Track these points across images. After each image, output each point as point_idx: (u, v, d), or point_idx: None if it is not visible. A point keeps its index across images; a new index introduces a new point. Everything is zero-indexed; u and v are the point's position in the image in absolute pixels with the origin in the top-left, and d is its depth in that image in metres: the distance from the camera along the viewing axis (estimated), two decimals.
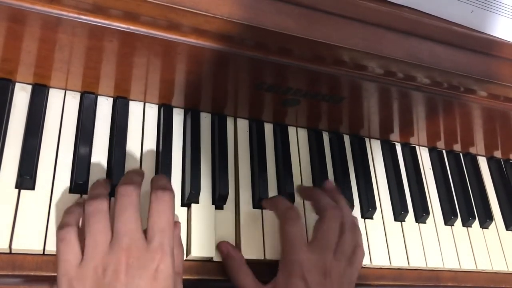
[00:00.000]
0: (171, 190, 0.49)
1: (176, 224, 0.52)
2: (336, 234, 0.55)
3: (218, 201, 0.58)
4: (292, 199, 0.63)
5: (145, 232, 0.46)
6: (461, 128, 0.73)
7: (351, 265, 0.56)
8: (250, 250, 0.57)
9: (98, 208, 0.46)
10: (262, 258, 0.57)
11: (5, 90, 0.54)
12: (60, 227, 0.46)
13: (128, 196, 0.46)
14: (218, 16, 0.47)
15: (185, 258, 0.54)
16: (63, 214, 0.49)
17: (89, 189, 0.50)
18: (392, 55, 0.55)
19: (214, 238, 0.56)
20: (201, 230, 0.56)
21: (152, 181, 0.51)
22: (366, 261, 0.63)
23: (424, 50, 0.56)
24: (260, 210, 0.61)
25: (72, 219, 0.47)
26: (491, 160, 0.82)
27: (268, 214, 0.61)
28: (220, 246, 0.55)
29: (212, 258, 0.55)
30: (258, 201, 0.60)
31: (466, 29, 0.57)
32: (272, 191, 0.63)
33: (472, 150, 0.80)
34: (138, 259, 0.44)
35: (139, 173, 0.52)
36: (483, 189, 0.79)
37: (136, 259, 0.44)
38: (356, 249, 0.57)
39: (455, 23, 0.57)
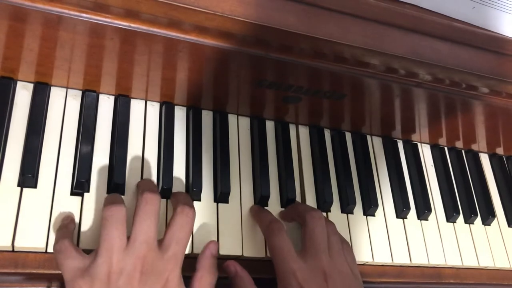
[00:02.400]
0: (194, 209, 0.51)
1: (213, 245, 0.53)
2: (324, 234, 0.55)
3: (220, 199, 0.58)
4: (293, 197, 0.62)
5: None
6: (463, 125, 0.73)
7: (349, 262, 0.56)
8: (251, 248, 0.57)
9: (115, 214, 0.47)
10: (263, 256, 0.58)
11: (7, 89, 0.54)
12: (55, 242, 0.48)
13: (152, 204, 0.48)
14: (219, 14, 0.47)
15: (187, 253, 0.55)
16: (56, 230, 0.49)
17: (105, 198, 0.51)
18: (393, 51, 0.54)
19: (216, 234, 0.56)
20: (203, 227, 0.56)
21: (177, 196, 0.54)
22: (368, 258, 0.63)
23: (425, 47, 0.56)
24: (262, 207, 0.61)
25: (65, 233, 0.48)
26: (493, 157, 0.82)
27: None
28: (228, 266, 0.54)
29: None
30: (260, 199, 0.60)
31: (467, 25, 0.57)
32: (274, 188, 0.63)
33: (474, 147, 0.80)
34: (152, 267, 0.45)
35: (154, 183, 0.54)
36: (485, 186, 0.78)
37: (150, 267, 0.45)
38: (344, 244, 0.57)
39: (456, 19, 0.57)
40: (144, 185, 0.51)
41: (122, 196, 0.54)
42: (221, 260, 0.55)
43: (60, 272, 0.49)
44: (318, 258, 0.53)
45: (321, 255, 0.53)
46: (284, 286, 0.51)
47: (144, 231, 0.46)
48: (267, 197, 0.61)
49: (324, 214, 0.64)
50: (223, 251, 0.56)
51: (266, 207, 0.61)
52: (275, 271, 0.53)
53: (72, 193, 0.52)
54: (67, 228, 0.49)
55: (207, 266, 0.51)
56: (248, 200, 0.60)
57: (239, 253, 0.56)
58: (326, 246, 0.54)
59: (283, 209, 0.62)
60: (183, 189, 0.58)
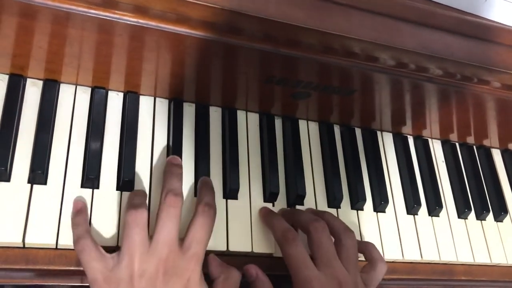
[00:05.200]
0: (215, 208, 0.52)
1: (212, 256, 0.53)
2: (330, 243, 0.54)
3: (229, 195, 0.58)
4: (302, 193, 0.62)
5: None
6: (474, 120, 0.72)
7: (366, 271, 0.55)
8: (260, 244, 0.57)
9: (138, 219, 0.47)
10: (273, 252, 0.57)
11: (17, 86, 0.54)
12: (76, 241, 0.48)
13: (175, 207, 0.49)
14: (227, 8, 0.47)
15: None
16: (72, 226, 0.50)
17: (128, 196, 0.51)
18: (404, 46, 0.54)
19: (226, 231, 0.56)
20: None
21: (201, 193, 0.54)
22: None
23: (436, 41, 0.55)
24: (272, 204, 0.61)
25: (84, 230, 0.49)
26: (505, 153, 0.81)
27: (280, 209, 0.60)
28: (249, 269, 0.54)
29: (224, 252, 0.55)
30: (269, 196, 0.60)
31: (479, 18, 0.57)
32: (283, 185, 0.62)
33: (486, 142, 0.79)
34: (173, 268, 0.47)
35: (180, 178, 0.53)
36: (497, 182, 0.78)
37: (171, 268, 0.46)
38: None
39: (468, 12, 0.56)
40: (169, 185, 0.51)
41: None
42: (230, 257, 0.55)
43: (71, 268, 0.49)
44: (331, 266, 0.53)
45: (334, 262, 0.53)
46: None
47: (165, 233, 0.47)
48: (277, 193, 0.61)
49: (334, 210, 0.64)
50: (232, 248, 0.56)
51: (275, 202, 0.61)
52: (292, 279, 0.53)
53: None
54: (83, 222, 0.49)
55: (225, 268, 0.52)
56: (258, 196, 0.60)
57: (248, 249, 0.56)
58: (335, 253, 0.54)
59: (287, 208, 0.61)
60: (191, 185, 0.58)
